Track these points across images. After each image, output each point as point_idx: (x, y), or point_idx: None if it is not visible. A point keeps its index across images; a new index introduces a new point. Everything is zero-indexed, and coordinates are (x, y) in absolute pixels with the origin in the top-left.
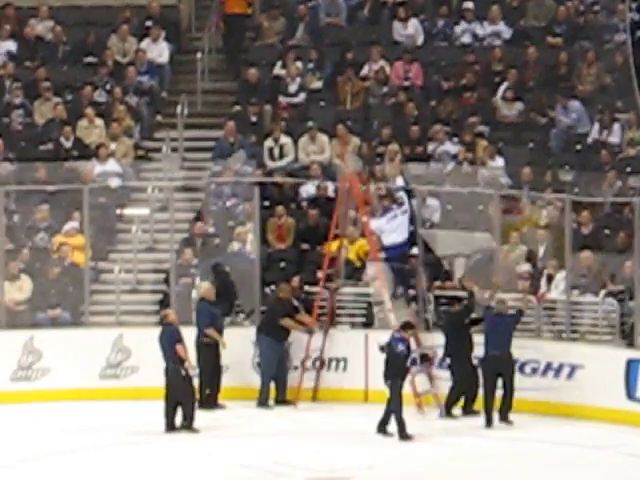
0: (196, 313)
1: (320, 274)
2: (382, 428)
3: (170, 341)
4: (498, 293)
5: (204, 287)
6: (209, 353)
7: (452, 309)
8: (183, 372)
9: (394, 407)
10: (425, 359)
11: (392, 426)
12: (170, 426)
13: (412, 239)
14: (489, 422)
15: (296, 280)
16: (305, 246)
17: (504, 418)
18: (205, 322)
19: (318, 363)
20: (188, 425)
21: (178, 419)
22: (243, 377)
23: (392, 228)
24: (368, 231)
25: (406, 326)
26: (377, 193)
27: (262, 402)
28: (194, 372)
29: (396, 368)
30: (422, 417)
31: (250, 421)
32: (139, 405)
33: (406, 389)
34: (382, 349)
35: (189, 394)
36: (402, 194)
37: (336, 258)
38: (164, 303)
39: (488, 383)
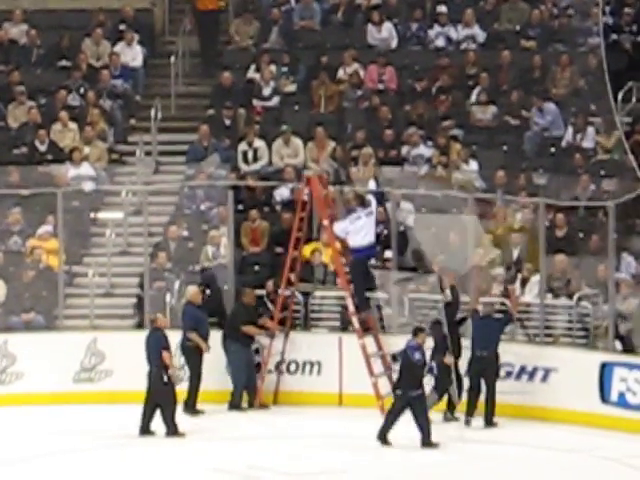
0: (182, 316)
1: (283, 277)
2: (383, 436)
3: (157, 346)
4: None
5: (191, 291)
6: (192, 357)
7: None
8: (165, 378)
9: (423, 421)
10: (385, 362)
11: (392, 434)
12: (144, 429)
13: (385, 242)
14: (467, 422)
15: (270, 284)
16: (279, 249)
17: (489, 422)
18: (189, 325)
19: (283, 366)
20: (172, 431)
21: (154, 424)
22: (217, 381)
23: (356, 229)
24: (330, 235)
25: (417, 332)
26: (342, 197)
27: (234, 405)
28: (178, 377)
29: (412, 377)
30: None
31: (224, 425)
32: (113, 409)
33: (369, 391)
34: (395, 358)
35: (169, 399)
36: (370, 197)
37: (296, 260)
38: (138, 307)
39: (472, 384)
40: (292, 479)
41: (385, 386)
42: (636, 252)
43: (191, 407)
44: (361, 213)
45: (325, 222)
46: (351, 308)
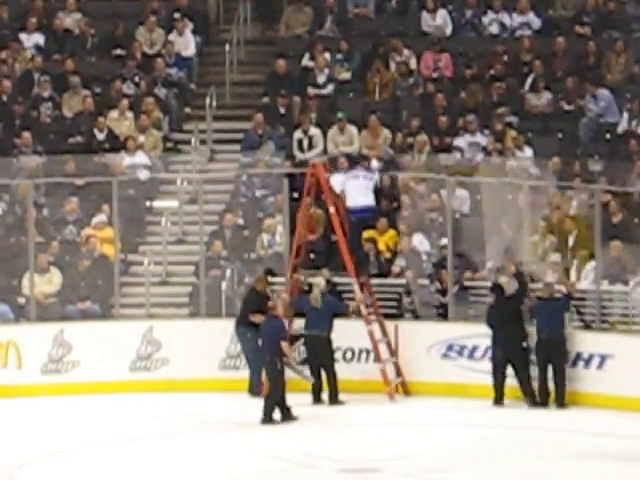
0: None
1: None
2: None
3: (276, 336)
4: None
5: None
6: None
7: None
8: (279, 365)
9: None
10: (390, 349)
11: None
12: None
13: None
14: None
15: (325, 271)
16: (334, 237)
17: (561, 404)
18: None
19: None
20: (267, 418)
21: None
22: None
23: (355, 187)
24: (335, 221)
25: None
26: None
27: (253, 392)
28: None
29: None
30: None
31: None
32: (169, 397)
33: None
34: None
35: (277, 387)
36: (375, 165)
37: (300, 248)
38: (194, 295)
39: (540, 367)
40: (347, 466)
41: (391, 372)
42: None
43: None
44: (360, 173)
45: (332, 209)
46: (359, 294)
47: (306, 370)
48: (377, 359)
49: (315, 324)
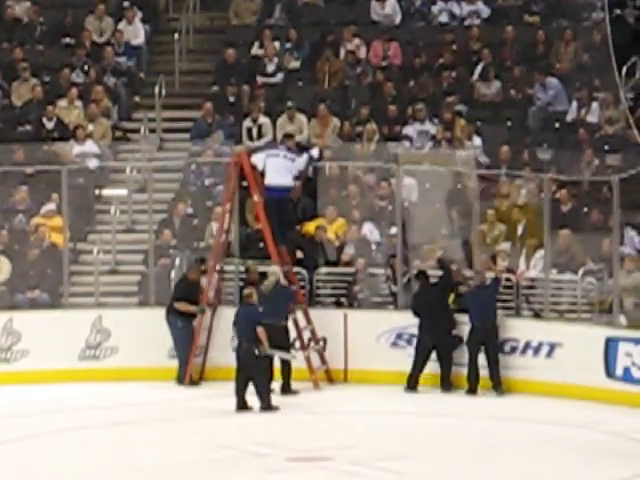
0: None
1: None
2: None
3: (252, 321)
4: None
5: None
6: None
7: (428, 282)
8: (257, 352)
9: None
10: (315, 337)
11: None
12: (241, 405)
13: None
14: (472, 391)
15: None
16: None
17: (499, 391)
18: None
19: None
20: (266, 406)
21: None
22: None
23: (273, 165)
24: (260, 211)
25: None
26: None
27: (181, 381)
28: (271, 354)
29: None
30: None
31: (223, 401)
32: (118, 386)
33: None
34: None
35: (262, 372)
36: (314, 153)
37: (228, 234)
38: (142, 284)
39: (472, 355)
40: (299, 455)
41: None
42: None
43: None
44: (281, 152)
45: (256, 197)
46: (283, 282)
47: (281, 351)
48: (301, 347)
49: (270, 313)
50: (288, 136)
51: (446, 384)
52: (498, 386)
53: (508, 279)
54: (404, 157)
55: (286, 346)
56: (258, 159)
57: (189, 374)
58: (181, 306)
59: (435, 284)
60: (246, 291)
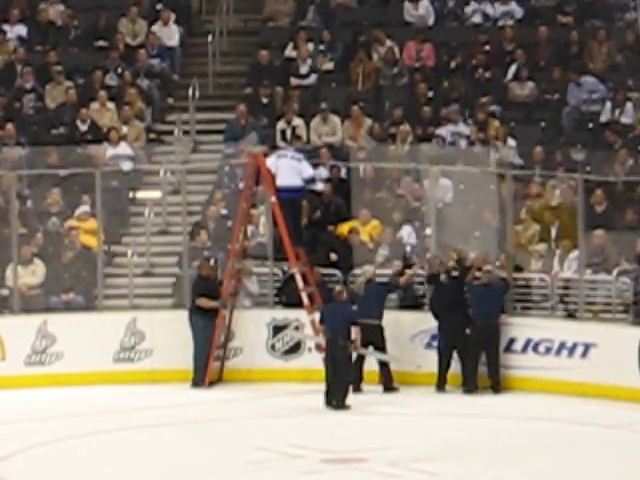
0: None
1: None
2: None
3: (346, 320)
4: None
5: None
6: None
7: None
8: (350, 349)
9: None
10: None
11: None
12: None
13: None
14: (473, 390)
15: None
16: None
17: (496, 390)
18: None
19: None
20: (341, 404)
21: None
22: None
23: (282, 166)
24: (277, 211)
25: None
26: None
27: (197, 383)
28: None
29: None
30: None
31: (258, 403)
32: (153, 388)
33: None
34: None
35: (350, 373)
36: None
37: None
38: (177, 286)
39: (474, 353)
40: (333, 457)
41: None
42: None
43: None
44: (289, 153)
45: (273, 199)
46: (300, 284)
47: (377, 352)
48: (318, 348)
49: (363, 312)
50: (297, 137)
51: (469, 383)
52: (496, 385)
53: (542, 279)
54: (437, 158)
55: (382, 346)
56: (270, 162)
57: (209, 375)
58: (202, 302)
59: (449, 284)
60: (337, 288)
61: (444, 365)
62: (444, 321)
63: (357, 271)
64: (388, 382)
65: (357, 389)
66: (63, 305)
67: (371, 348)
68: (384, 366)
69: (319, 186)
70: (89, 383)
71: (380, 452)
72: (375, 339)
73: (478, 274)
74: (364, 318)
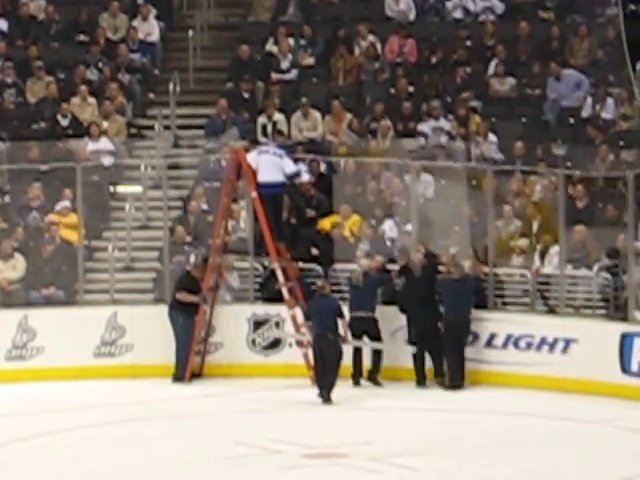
0: None
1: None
2: None
3: (334, 313)
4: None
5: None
6: None
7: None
8: (339, 345)
9: None
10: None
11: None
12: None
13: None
14: (460, 385)
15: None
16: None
17: (457, 385)
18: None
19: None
20: (327, 398)
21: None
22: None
23: (264, 163)
24: (258, 206)
25: None
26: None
27: (178, 378)
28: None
29: None
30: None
31: (238, 398)
32: (134, 383)
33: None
34: None
35: (338, 366)
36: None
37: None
38: (157, 281)
39: (448, 348)
40: (314, 452)
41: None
42: None
43: None
44: (270, 149)
45: (253, 194)
46: (281, 279)
47: (372, 342)
48: (299, 344)
49: (359, 304)
50: (279, 132)
51: (455, 378)
52: (460, 380)
53: (523, 275)
54: (419, 153)
55: (378, 337)
56: (252, 158)
57: (189, 370)
58: (182, 296)
59: (419, 278)
60: (319, 282)
61: (419, 360)
62: (413, 316)
63: (353, 265)
64: (374, 374)
65: (357, 383)
66: (44, 300)
67: (365, 338)
68: (377, 357)
69: (306, 177)
70: (70, 378)
71: (361, 447)
72: (371, 331)
73: (451, 269)
74: (360, 310)
